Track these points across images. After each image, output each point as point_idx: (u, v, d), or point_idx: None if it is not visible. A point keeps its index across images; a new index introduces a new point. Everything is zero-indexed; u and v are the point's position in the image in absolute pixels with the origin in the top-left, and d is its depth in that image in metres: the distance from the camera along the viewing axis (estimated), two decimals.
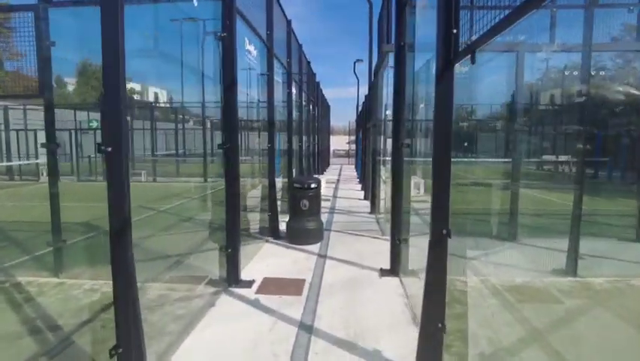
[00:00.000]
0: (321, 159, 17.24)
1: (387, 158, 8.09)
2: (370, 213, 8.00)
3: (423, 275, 4.31)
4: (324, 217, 7.47)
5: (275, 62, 6.55)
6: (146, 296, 3.78)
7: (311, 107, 12.53)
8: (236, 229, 4.00)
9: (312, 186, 5.62)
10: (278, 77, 7.07)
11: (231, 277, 4.01)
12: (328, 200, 9.89)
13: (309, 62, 11.48)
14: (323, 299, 3.73)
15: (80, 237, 6.01)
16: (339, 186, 13.28)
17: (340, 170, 21.25)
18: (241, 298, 3.76)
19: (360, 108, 19.46)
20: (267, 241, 5.79)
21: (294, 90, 8.67)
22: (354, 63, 21.55)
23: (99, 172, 14.91)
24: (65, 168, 15.74)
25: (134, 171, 15.31)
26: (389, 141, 7.71)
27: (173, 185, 13.51)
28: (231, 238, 3.98)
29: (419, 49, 4.08)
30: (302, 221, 5.58)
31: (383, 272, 4.44)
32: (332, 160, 27.43)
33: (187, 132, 25.31)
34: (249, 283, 4.06)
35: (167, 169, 17.57)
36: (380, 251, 5.25)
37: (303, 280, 4.19)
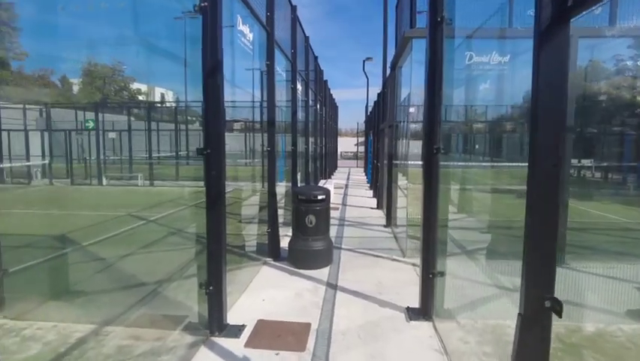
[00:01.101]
0: (328, 162, 16.28)
1: (406, 162, 7.13)
2: (386, 226, 7.01)
3: (463, 318, 3.28)
4: (332, 230, 6.51)
5: (277, 52, 5.63)
6: (101, 349, 2.84)
7: (318, 106, 11.59)
8: (220, 262, 3.05)
9: (320, 197, 4.66)
10: (280, 68, 6.14)
11: (214, 323, 3.06)
12: (337, 208, 8.92)
13: (316, 57, 10.54)
14: (334, 358, 2.76)
15: (40, 258, 5.08)
16: (348, 191, 12.30)
17: (349, 173, 20.27)
18: (225, 355, 2.81)
19: (370, 109, 18.48)
20: (265, 263, 4.84)
21: (299, 87, 7.74)
22: (364, 62, 20.64)
23: (94, 175, 14.11)
24: (60, 171, 14.99)
25: (131, 175, 14.50)
26: (412, 144, 6.77)
27: (171, 190, 12.62)
28: (214, 273, 3.04)
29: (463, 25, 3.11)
30: (307, 241, 4.62)
31: (411, 313, 3.46)
32: (339, 163, 26.45)
33: (184, 133, 24.56)
34: (237, 330, 3.11)
35: (166, 172, 16.72)
36: (404, 281, 4.27)
37: (308, 326, 3.23)
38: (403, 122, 6.21)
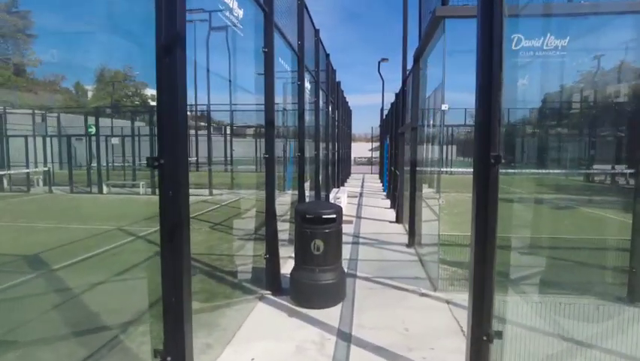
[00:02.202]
0: (341, 169, 15.30)
1: (432, 168, 6.12)
2: (408, 245, 5.98)
3: None
4: (345, 250, 5.53)
5: (279, 40, 4.73)
6: None
7: (330, 108, 10.65)
8: (182, 323, 2.10)
9: (330, 216, 3.69)
10: (283, 62, 5.23)
11: None
12: (350, 222, 7.93)
13: (327, 55, 9.62)
14: None
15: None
16: (363, 201, 11.29)
17: (363, 180, 19.24)
18: None
19: (386, 112, 17.47)
20: (261, 299, 3.88)
21: (307, 85, 6.81)
22: (379, 63, 19.68)
23: (95, 182, 13.44)
24: (62, 177, 14.38)
25: (133, 183, 13.78)
26: (446, 149, 5.73)
27: None
28: (172, 337, 2.10)
29: None
30: (313, 272, 3.65)
31: None
32: (353, 168, 25.45)
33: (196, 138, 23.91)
34: None
35: None
36: (438, 329, 3.26)
37: None
38: (435, 124, 5.19)
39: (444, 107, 3.95)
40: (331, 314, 3.53)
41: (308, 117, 7.79)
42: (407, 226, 7.17)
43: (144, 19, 2.02)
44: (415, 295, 4.03)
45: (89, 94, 46.19)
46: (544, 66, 3.96)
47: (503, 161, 2.28)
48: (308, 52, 6.74)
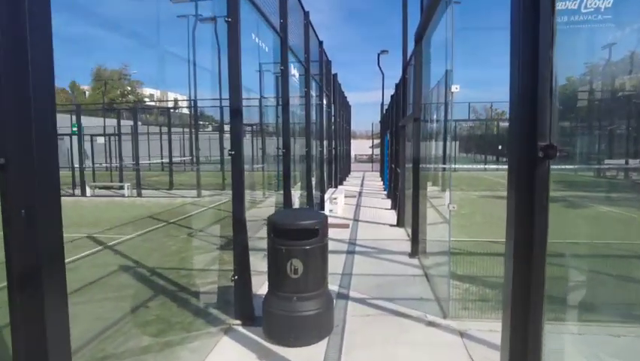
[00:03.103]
0: (339, 167, 14.48)
1: (437, 165, 5.33)
2: (411, 255, 5.18)
3: None
4: (339, 262, 4.75)
5: (249, 7, 3.97)
6: None
7: (325, 102, 9.84)
8: None
9: (311, 228, 2.90)
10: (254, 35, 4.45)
11: None
12: (346, 226, 7.13)
13: (320, 42, 8.80)
14: None
15: None
16: (362, 201, 10.49)
17: (362, 178, 18.43)
18: None
19: (386, 106, 16.67)
20: (227, 332, 3.09)
21: (293, 72, 6.01)
22: (378, 55, 18.85)
23: (77, 184, 12.68)
24: None
25: (120, 184, 13.02)
26: (449, 144, 4.94)
27: (157, 202, 11.05)
28: None
29: None
30: (290, 301, 2.86)
31: None
32: (353, 166, 24.63)
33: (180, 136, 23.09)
34: None
35: (162, 180, 15.26)
36: None
37: None
38: (438, 119, 4.39)
39: (454, 88, 3.14)
40: (313, 356, 2.74)
41: (299, 111, 7.00)
42: (409, 231, 6.37)
43: None
44: (421, 324, 3.23)
45: (86, 94, 45.61)
46: (583, 34, 3.14)
47: (559, 154, 1.48)
48: (295, 35, 5.94)
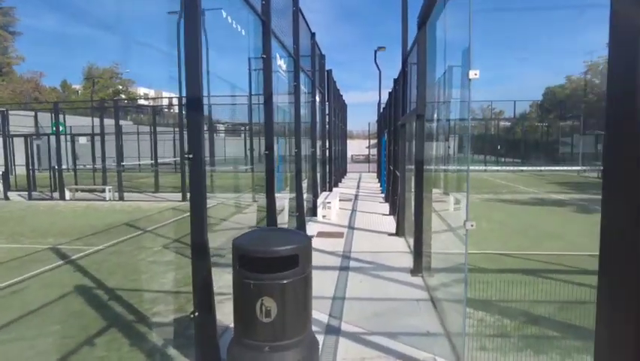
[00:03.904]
0: (334, 169, 13.80)
1: (448, 167, 4.68)
2: (414, 272, 4.49)
3: None
4: (330, 281, 4.07)
5: None
6: None
7: (318, 99, 9.15)
8: None
9: (291, 254, 2.21)
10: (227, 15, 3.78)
11: None
12: (340, 235, 6.46)
13: (313, 34, 8.12)
14: None
15: None
16: (358, 205, 9.81)
17: (359, 180, 17.76)
18: None
19: (383, 105, 16.02)
20: None
21: (279, 62, 5.34)
22: (375, 52, 18.20)
23: (68, 187, 11.93)
24: (23, 181, 12.88)
25: (101, 187, 12.28)
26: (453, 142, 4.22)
27: (138, 207, 10.32)
28: None
29: None
30: (260, 352, 2.17)
31: None
32: (350, 167, 23.94)
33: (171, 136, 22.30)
34: None
35: (148, 182, 14.53)
36: None
37: None
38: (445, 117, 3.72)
39: (472, 74, 2.46)
40: None
41: (288, 108, 6.32)
42: (410, 242, 5.71)
43: None
44: None
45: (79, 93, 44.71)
46: None
47: None
48: (282, 21, 5.26)
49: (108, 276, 4.66)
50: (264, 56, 4.23)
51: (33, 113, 23.27)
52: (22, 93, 28.70)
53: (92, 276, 4.67)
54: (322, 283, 4.17)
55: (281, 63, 5.37)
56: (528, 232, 6.89)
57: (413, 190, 5.25)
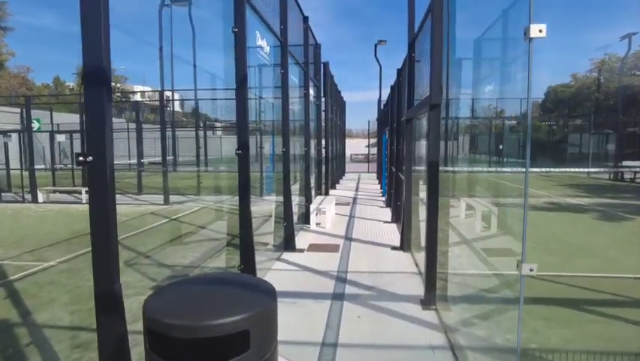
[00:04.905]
0: (332, 169, 12.88)
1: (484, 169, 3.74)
2: (425, 304, 3.56)
3: None
4: (320, 314, 3.14)
5: None
6: None
7: (312, 92, 8.23)
8: None
9: (236, 331, 1.29)
10: None
11: None
12: (335, 249, 5.55)
13: (305, 18, 7.19)
14: None
15: None
16: (356, 211, 8.89)
17: (358, 181, 16.85)
18: None
19: (384, 102, 15.11)
20: None
21: (261, 44, 4.43)
22: (375, 46, 17.29)
23: (27, 188, 11.00)
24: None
25: (78, 188, 11.35)
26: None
27: (117, 210, 9.35)
28: None
29: None
30: None
31: None
32: (348, 167, 23.00)
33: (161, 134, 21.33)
34: None
35: (132, 182, 13.61)
36: None
37: None
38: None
39: (534, 30, 1.55)
40: None
41: (275, 101, 5.41)
42: (418, 259, 4.81)
43: None
44: None
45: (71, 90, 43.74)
46: None
47: None
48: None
49: (43, 306, 3.74)
50: (236, 30, 3.31)
51: (19, 110, 22.32)
52: (7, 89, 27.71)
53: (23, 306, 3.75)
54: (310, 319, 3.26)
55: (262, 43, 4.44)
56: (550, 244, 5.97)
57: (423, 198, 4.33)
